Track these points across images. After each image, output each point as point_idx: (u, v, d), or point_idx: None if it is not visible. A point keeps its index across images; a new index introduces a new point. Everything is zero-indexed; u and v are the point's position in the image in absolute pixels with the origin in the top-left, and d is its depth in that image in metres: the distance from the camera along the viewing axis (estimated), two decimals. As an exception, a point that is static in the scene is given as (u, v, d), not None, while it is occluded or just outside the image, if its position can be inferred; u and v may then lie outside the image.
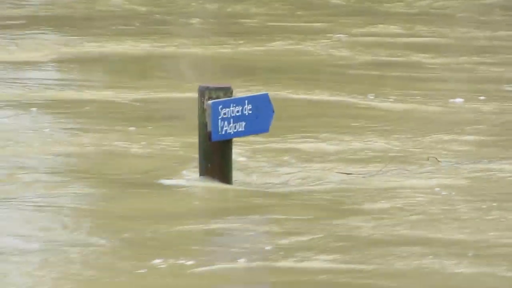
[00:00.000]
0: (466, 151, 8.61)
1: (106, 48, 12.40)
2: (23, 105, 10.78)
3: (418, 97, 10.58)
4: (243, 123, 4.46)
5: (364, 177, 6.15)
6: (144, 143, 6.75)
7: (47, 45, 14.14)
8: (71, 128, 8.41)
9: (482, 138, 8.86)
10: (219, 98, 4.45)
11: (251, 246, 4.67)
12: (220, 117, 4.39)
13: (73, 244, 5.10)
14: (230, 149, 4.52)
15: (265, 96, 4.62)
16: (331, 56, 12.78)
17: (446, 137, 9.17)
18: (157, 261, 4.59)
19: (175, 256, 4.69)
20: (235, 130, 4.51)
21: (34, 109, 9.75)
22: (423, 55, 12.37)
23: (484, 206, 6.38)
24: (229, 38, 12.62)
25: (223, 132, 4.47)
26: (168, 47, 11.87)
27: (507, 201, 6.75)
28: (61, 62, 11.35)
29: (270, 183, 5.54)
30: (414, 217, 5.68)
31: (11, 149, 8.21)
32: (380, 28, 14.15)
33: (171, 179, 5.28)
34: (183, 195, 5.20)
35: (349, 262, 4.80)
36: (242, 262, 4.67)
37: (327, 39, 13.54)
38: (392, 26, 14.08)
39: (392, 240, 5.57)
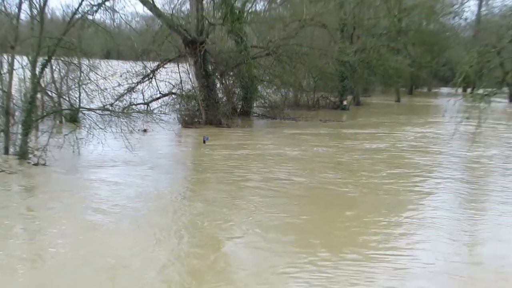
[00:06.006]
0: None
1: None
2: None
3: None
4: (206, 138, 26.62)
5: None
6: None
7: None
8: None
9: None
10: (205, 136, 26.56)
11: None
12: (205, 138, 27.51)
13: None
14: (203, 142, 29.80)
15: (207, 137, 27.36)
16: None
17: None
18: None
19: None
20: (206, 140, 26.84)
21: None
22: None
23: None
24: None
25: (205, 141, 25.90)
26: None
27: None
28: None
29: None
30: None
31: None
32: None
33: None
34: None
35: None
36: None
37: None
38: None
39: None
